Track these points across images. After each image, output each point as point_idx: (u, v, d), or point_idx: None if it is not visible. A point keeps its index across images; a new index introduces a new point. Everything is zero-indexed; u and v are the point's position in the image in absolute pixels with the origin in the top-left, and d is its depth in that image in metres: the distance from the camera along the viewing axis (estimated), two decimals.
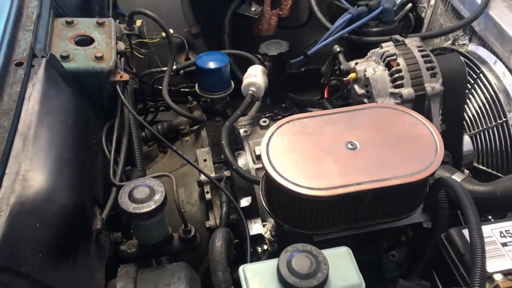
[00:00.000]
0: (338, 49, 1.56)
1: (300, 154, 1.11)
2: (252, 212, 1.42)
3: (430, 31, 1.94)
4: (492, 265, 0.98)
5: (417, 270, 1.20)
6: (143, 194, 0.99)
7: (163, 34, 1.72)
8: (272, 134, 1.15)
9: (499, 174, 1.53)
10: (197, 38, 2.11)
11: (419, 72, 1.39)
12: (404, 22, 1.97)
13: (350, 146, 1.12)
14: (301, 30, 2.10)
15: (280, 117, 1.63)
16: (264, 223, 1.40)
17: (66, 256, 0.90)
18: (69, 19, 1.28)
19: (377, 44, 1.49)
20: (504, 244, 1.03)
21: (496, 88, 1.54)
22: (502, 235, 1.05)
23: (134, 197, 0.99)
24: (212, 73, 1.62)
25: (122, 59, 1.44)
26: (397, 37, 1.48)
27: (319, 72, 1.72)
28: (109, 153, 1.18)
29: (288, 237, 1.23)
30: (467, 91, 1.62)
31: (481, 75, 1.59)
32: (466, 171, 1.49)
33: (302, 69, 1.97)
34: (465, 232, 1.05)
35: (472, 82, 1.61)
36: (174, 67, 1.72)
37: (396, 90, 1.39)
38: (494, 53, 1.59)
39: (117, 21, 1.47)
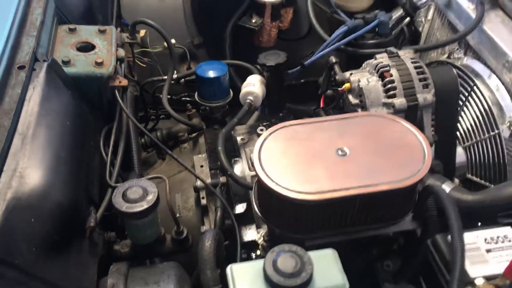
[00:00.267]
0: (334, 60, 1.59)
1: (291, 159, 1.14)
2: (248, 218, 1.44)
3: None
4: (475, 271, 1.00)
5: (404, 275, 1.22)
6: (136, 195, 1.03)
7: (165, 44, 1.77)
8: (265, 139, 1.18)
9: (492, 186, 1.55)
10: (199, 49, 2.15)
11: (411, 83, 1.42)
12: (402, 35, 2.01)
13: (340, 153, 1.15)
14: (301, 42, 2.14)
15: None
16: (258, 230, 1.43)
17: (59, 251, 0.93)
18: (72, 26, 1.33)
19: (372, 56, 1.53)
20: (488, 251, 1.05)
21: (489, 101, 1.57)
22: (486, 241, 1.07)
23: (127, 197, 1.03)
24: (211, 82, 1.67)
25: (123, 65, 1.48)
26: (392, 49, 1.51)
27: (318, 83, 1.76)
28: (106, 155, 1.22)
29: (280, 242, 1.25)
30: (461, 104, 1.65)
31: (475, 87, 1.62)
32: (456, 180, 1.51)
33: (302, 80, 2.02)
34: None
35: (466, 94, 1.65)
36: (175, 76, 1.76)
37: (389, 100, 1.41)
38: (488, 66, 1.62)
39: (119, 29, 1.51)
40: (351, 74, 1.51)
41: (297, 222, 1.14)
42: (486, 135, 1.58)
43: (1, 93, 1.00)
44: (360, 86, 1.45)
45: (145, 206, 1.01)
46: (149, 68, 2.00)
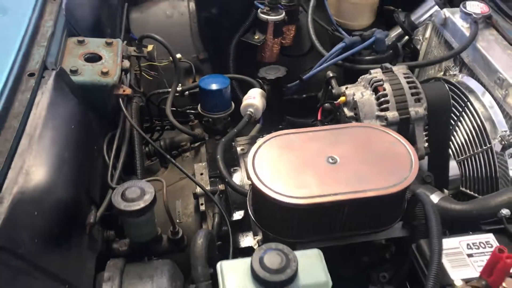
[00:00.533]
0: (331, 75, 1.65)
1: (284, 166, 1.19)
2: (245, 225, 1.50)
3: None
4: (456, 274, 1.05)
5: (394, 281, 1.26)
6: (134, 194, 1.09)
7: (171, 58, 1.85)
8: (260, 147, 1.24)
9: None
10: (204, 64, 2.24)
11: (404, 97, 1.47)
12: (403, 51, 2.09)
13: (331, 161, 1.20)
14: (303, 59, 2.21)
15: None
16: (255, 237, 1.47)
17: (60, 244, 0.99)
18: (80, 39, 1.41)
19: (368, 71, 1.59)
20: (470, 255, 1.09)
21: (482, 117, 1.62)
22: (468, 247, 1.11)
23: (126, 196, 1.09)
24: (213, 94, 1.73)
25: (128, 75, 1.56)
26: (387, 65, 1.57)
27: (317, 98, 1.82)
28: (109, 159, 1.29)
29: None
30: (455, 119, 1.70)
31: (468, 103, 1.67)
32: (446, 191, 1.55)
33: (304, 95, 2.09)
34: None
35: (461, 110, 1.70)
36: (179, 88, 1.84)
37: (382, 113, 1.47)
38: (481, 83, 1.68)
39: (125, 42, 1.59)
40: (346, 88, 1.57)
41: (288, 227, 1.18)
42: (479, 149, 1.63)
43: (12, 98, 1.07)
44: (355, 100, 1.51)
45: (142, 205, 1.07)
46: (155, 81, 2.08)
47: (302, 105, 2.02)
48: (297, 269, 0.94)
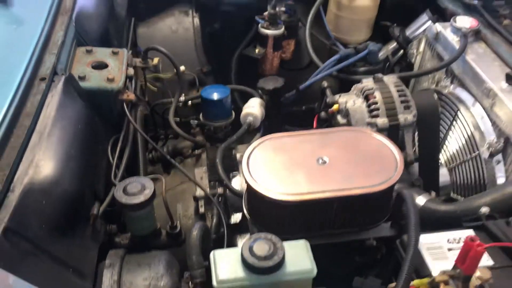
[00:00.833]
0: (325, 85, 1.74)
1: (276, 166, 1.27)
2: (243, 228, 1.57)
3: None
4: (436, 266, 1.11)
5: (381, 275, 1.32)
6: (135, 189, 1.17)
7: (175, 68, 1.94)
8: (254, 148, 1.32)
9: None
10: (208, 76, 2.33)
11: (393, 104, 1.55)
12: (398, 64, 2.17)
13: (321, 161, 1.27)
14: (302, 72, 2.29)
15: None
16: None
17: (65, 232, 1.07)
18: (89, 48, 1.51)
19: None
20: (450, 249, 1.15)
21: (471, 126, 1.69)
22: (449, 241, 1.17)
23: (127, 191, 1.17)
24: (214, 103, 1.82)
25: (132, 81, 1.65)
26: (378, 75, 1.65)
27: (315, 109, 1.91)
28: (113, 159, 1.38)
29: None
30: (447, 128, 1.77)
31: (458, 113, 1.74)
32: (433, 193, 1.61)
33: (303, 107, 2.17)
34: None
35: (452, 119, 1.77)
36: (182, 98, 1.93)
37: (372, 120, 1.55)
38: (471, 93, 1.75)
39: (130, 51, 1.69)
40: (340, 96, 1.65)
41: (281, 224, 1.25)
42: (468, 156, 1.70)
43: (25, 99, 1.17)
44: (347, 107, 1.59)
45: (142, 199, 1.16)
46: (160, 92, 2.17)
47: (300, 115, 2.11)
48: (284, 257, 1.00)
